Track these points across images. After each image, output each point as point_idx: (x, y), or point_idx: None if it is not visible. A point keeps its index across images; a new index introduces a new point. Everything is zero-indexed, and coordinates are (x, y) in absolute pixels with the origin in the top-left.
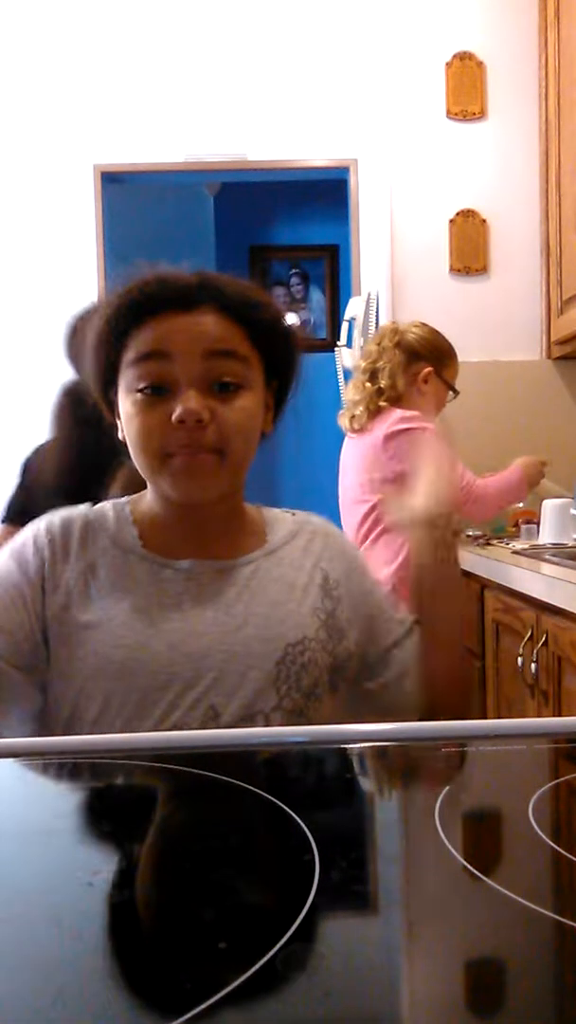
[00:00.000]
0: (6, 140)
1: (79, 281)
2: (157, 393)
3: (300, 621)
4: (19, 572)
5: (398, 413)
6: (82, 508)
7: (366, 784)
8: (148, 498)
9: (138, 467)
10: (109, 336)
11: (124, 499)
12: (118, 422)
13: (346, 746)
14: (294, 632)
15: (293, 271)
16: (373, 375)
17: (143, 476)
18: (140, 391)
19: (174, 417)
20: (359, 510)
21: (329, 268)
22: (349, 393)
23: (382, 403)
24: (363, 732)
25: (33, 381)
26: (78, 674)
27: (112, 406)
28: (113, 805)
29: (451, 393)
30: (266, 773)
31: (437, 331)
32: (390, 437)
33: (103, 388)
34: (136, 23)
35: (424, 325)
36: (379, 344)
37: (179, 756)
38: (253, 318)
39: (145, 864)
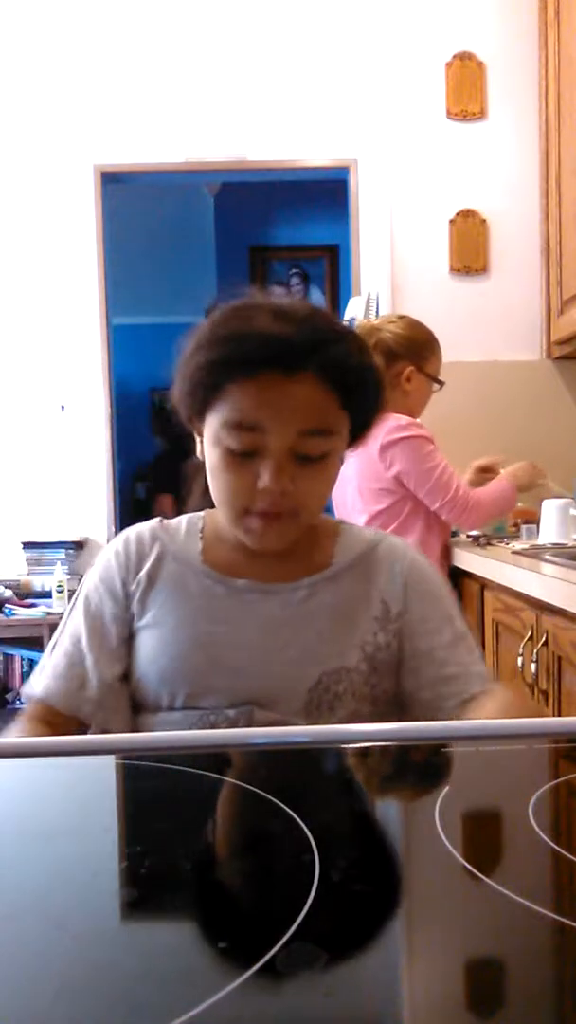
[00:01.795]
0: (6, 140)
1: (79, 281)
2: (244, 456)
3: (342, 651)
4: (112, 585)
5: (392, 421)
6: (155, 524)
7: (366, 784)
8: (221, 518)
9: (218, 511)
10: (202, 382)
11: (202, 513)
12: (198, 439)
13: (346, 746)
14: (333, 661)
15: (293, 271)
16: None
17: (223, 520)
18: (229, 450)
19: (259, 486)
20: (361, 520)
21: (329, 268)
22: None
23: None
24: (363, 732)
25: (33, 381)
26: (133, 674)
27: (196, 425)
28: (113, 805)
29: (436, 385)
30: (266, 773)
31: (415, 322)
32: (385, 448)
33: (189, 415)
34: (136, 23)
35: (402, 318)
36: None
37: (179, 756)
38: (351, 384)
39: (145, 864)
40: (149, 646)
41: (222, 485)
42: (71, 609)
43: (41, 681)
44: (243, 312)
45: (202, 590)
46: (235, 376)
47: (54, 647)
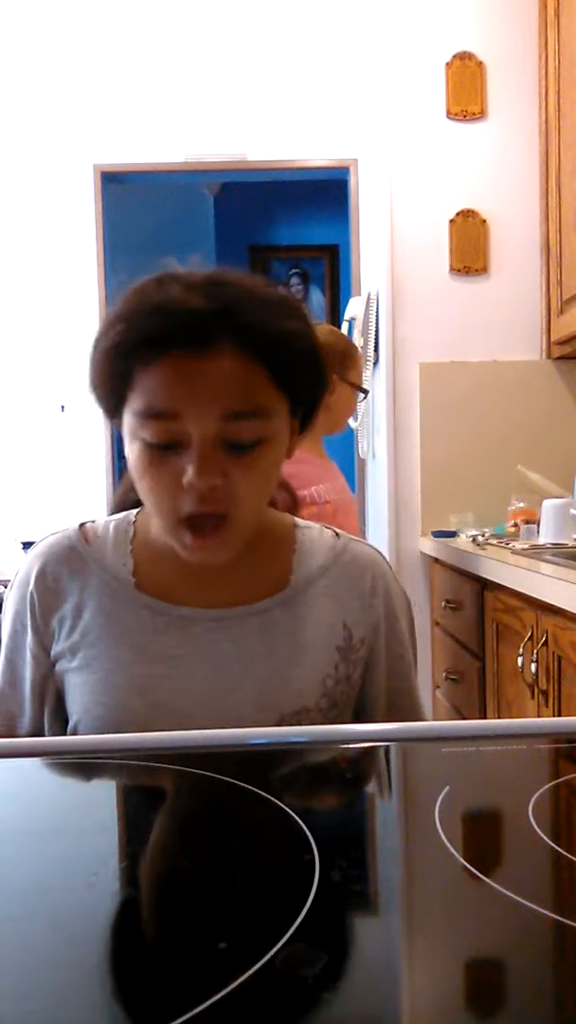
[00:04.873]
0: (6, 140)
1: (79, 281)
2: (166, 448)
3: (303, 688)
4: (23, 634)
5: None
6: (74, 535)
7: (366, 784)
8: (154, 524)
9: (151, 519)
10: (110, 372)
11: (131, 514)
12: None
13: (346, 746)
14: (293, 702)
15: (293, 271)
16: None
17: (155, 529)
18: (147, 444)
19: (185, 483)
20: None
21: (329, 268)
22: None
23: None
24: (363, 732)
25: (33, 381)
26: (70, 718)
27: (116, 422)
28: (113, 805)
29: (360, 394)
30: (266, 773)
31: (332, 330)
32: None
33: (107, 410)
34: (136, 23)
35: (318, 327)
36: None
37: (179, 756)
38: (280, 354)
39: (145, 864)
40: (81, 693)
41: (145, 487)
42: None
43: None
44: (147, 286)
45: (138, 624)
46: (143, 359)
47: None
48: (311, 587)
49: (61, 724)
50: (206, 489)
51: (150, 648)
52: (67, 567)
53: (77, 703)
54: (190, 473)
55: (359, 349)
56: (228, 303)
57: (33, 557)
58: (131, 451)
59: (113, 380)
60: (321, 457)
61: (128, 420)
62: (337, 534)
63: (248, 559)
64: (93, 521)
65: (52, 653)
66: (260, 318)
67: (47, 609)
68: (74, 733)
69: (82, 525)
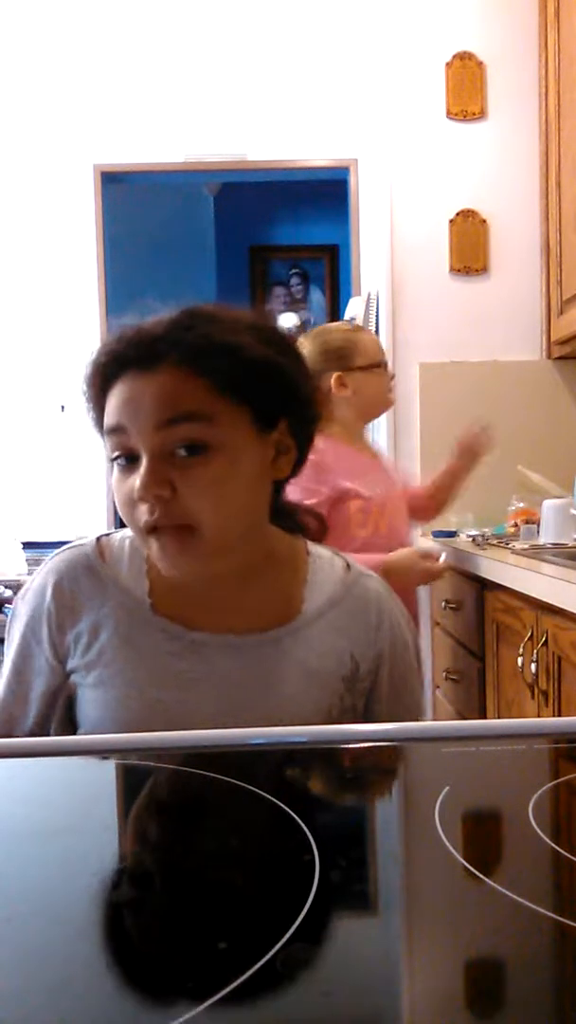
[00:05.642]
0: (6, 140)
1: (79, 281)
2: (129, 460)
3: (308, 718)
4: (36, 646)
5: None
6: (91, 553)
7: (366, 784)
8: None
9: None
10: (90, 398)
11: None
12: None
13: (346, 746)
14: None
15: (293, 271)
16: None
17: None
18: (114, 459)
19: (134, 495)
20: None
21: (329, 268)
22: None
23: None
24: (363, 732)
25: (33, 381)
26: (79, 728)
27: None
28: (113, 805)
29: (379, 371)
30: (266, 773)
31: (323, 331)
32: None
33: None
34: (136, 23)
35: (307, 336)
36: None
37: (179, 756)
38: (225, 366)
39: (145, 864)
40: (94, 708)
41: (117, 497)
42: (7, 642)
43: None
44: (121, 326)
45: (153, 647)
46: (107, 381)
47: None
48: (321, 619)
49: (69, 731)
50: (151, 499)
51: (164, 672)
52: (85, 584)
53: (89, 717)
54: (137, 484)
55: (360, 330)
56: (180, 325)
57: (50, 571)
58: (112, 476)
59: (94, 403)
60: (362, 451)
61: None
62: (348, 565)
63: (259, 586)
64: (109, 535)
65: (67, 667)
66: (205, 333)
67: (63, 625)
68: None
69: (99, 539)
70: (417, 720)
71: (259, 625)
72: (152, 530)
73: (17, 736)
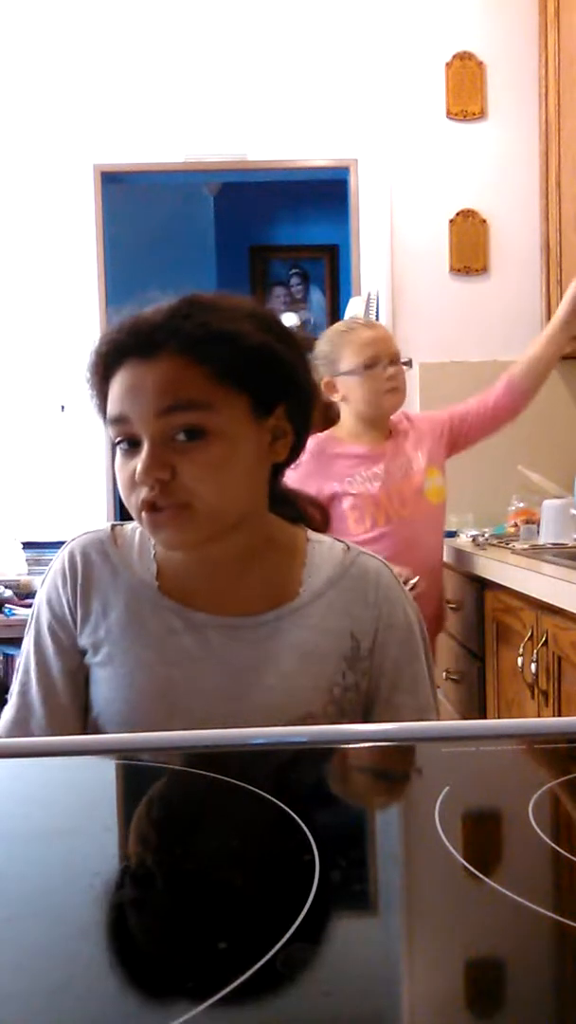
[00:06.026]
0: (6, 140)
1: (79, 281)
2: (131, 445)
3: (308, 696)
4: (55, 621)
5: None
6: (105, 537)
7: (366, 784)
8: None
9: None
10: (93, 386)
11: None
12: None
13: (346, 746)
14: (300, 708)
15: (293, 271)
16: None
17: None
18: (116, 444)
19: (136, 477)
20: None
21: (329, 268)
22: None
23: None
24: (363, 732)
25: (33, 381)
26: (91, 708)
27: None
28: (114, 805)
29: (369, 371)
30: (266, 773)
31: (323, 333)
32: None
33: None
34: (136, 23)
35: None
36: None
37: (179, 756)
38: (223, 353)
39: (145, 864)
40: (105, 686)
41: (119, 479)
42: (27, 627)
43: (5, 711)
44: (123, 317)
45: (160, 627)
46: (109, 371)
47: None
48: (319, 599)
49: (82, 713)
50: (151, 482)
51: (170, 651)
52: (99, 566)
53: (99, 696)
54: (138, 468)
55: (352, 331)
56: (179, 314)
57: (67, 552)
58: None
59: (97, 391)
60: (369, 444)
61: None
62: (348, 547)
63: (259, 570)
64: (122, 524)
65: (80, 645)
66: (203, 322)
67: (76, 603)
68: (94, 724)
69: (113, 527)
70: (427, 697)
71: (259, 607)
72: (151, 508)
73: (45, 719)
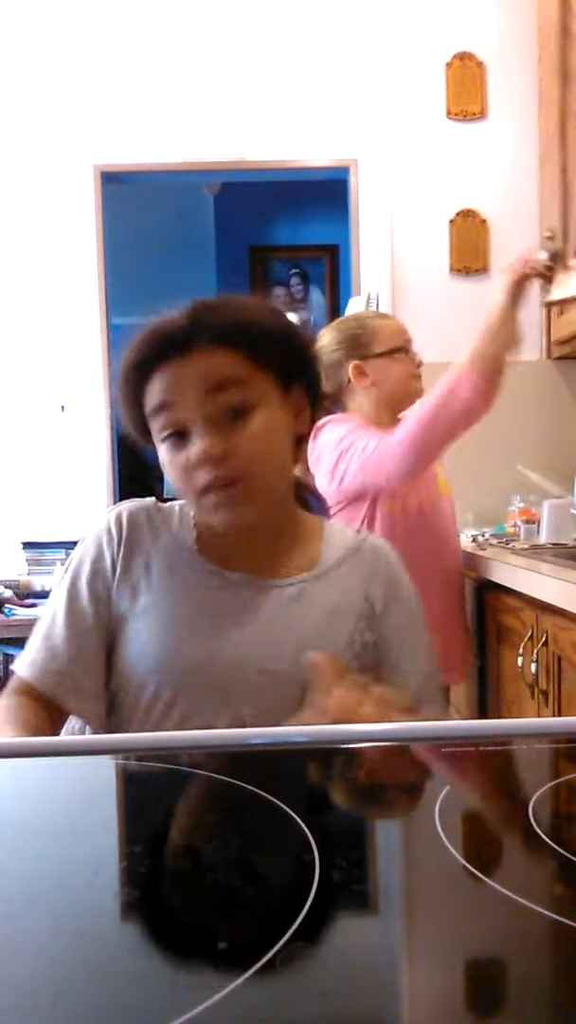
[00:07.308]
0: (6, 140)
1: (79, 281)
2: (179, 437)
3: (335, 648)
4: (98, 563)
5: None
6: (150, 504)
7: (366, 784)
8: (189, 509)
9: (185, 502)
10: (128, 395)
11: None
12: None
13: (346, 746)
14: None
15: (293, 271)
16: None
17: (191, 510)
18: (165, 439)
19: (193, 457)
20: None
21: (329, 268)
22: None
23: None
24: (363, 732)
25: (33, 381)
26: (123, 662)
27: (149, 441)
28: (114, 805)
29: (403, 356)
30: (266, 773)
31: (336, 325)
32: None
33: (141, 435)
34: (136, 23)
35: (322, 334)
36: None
37: (179, 756)
38: (250, 338)
39: (145, 864)
40: (141, 636)
41: (171, 473)
42: (58, 583)
43: (22, 656)
44: (147, 325)
45: (198, 582)
46: (148, 376)
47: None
48: (339, 567)
49: (103, 668)
50: (211, 457)
51: (206, 604)
52: (144, 527)
53: (132, 646)
54: (194, 453)
55: (380, 317)
56: (202, 314)
57: (115, 514)
58: (160, 453)
59: (130, 401)
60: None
61: (153, 429)
62: (358, 531)
63: (284, 545)
64: (164, 500)
65: (114, 597)
66: (225, 315)
67: (119, 557)
68: (128, 675)
69: (156, 502)
70: (432, 664)
71: (287, 573)
72: (209, 489)
73: (66, 664)
